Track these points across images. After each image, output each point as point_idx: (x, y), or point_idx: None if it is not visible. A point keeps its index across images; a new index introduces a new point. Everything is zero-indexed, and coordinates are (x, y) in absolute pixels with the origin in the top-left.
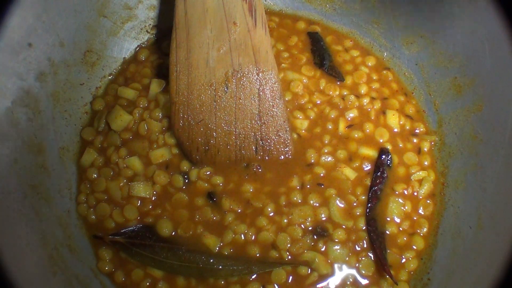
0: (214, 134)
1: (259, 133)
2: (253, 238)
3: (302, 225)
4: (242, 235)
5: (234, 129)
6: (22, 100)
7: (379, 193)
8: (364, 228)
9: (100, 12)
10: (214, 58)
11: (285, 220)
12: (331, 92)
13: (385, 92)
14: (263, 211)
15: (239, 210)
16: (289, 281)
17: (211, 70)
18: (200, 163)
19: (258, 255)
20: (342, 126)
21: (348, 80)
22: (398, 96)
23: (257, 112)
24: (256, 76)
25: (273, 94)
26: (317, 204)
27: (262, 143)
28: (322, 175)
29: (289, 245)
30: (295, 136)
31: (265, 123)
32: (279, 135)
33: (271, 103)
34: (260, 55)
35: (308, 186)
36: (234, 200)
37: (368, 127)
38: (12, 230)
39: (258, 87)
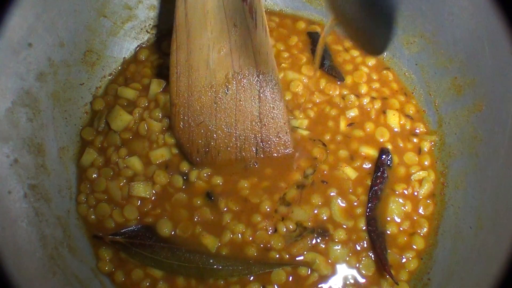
0: (215, 135)
1: (259, 134)
2: (251, 238)
3: (303, 225)
4: (240, 235)
5: (234, 131)
6: (22, 100)
7: (379, 193)
8: (364, 228)
9: (100, 12)
10: (215, 60)
11: (284, 220)
12: (331, 92)
13: (385, 92)
14: (262, 210)
15: (237, 209)
16: (289, 281)
17: (211, 72)
18: (201, 164)
19: (256, 254)
20: (343, 125)
21: (348, 80)
22: (398, 96)
23: (257, 114)
24: (257, 78)
25: (274, 96)
26: (319, 203)
27: (263, 144)
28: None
29: (289, 245)
30: (299, 135)
31: (265, 124)
32: (279, 136)
33: (271, 105)
34: (260, 57)
35: (309, 185)
36: (232, 201)
37: (369, 127)
38: (12, 230)
39: (258, 89)
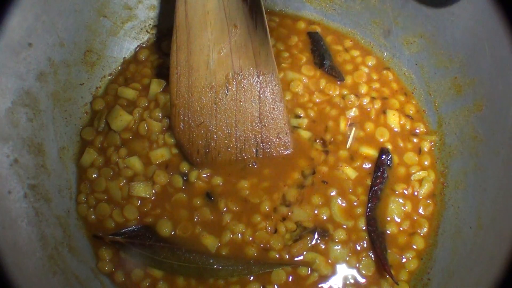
0: (215, 136)
1: (259, 135)
2: (251, 238)
3: (303, 225)
4: (240, 235)
5: (234, 132)
6: (22, 100)
7: (379, 193)
8: (364, 228)
9: (100, 12)
10: (215, 60)
11: (285, 220)
12: (331, 92)
13: (385, 92)
14: (262, 211)
15: (237, 209)
16: (289, 281)
17: (211, 73)
18: (201, 165)
19: (256, 254)
20: (342, 125)
21: (348, 80)
22: (398, 96)
23: (257, 115)
24: (257, 78)
25: (274, 96)
26: (319, 203)
27: (263, 145)
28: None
29: (289, 245)
30: (305, 137)
31: (265, 125)
32: (280, 137)
33: (271, 106)
34: (260, 58)
35: (309, 185)
36: (232, 201)
37: (369, 127)
38: (12, 230)
39: (258, 89)
